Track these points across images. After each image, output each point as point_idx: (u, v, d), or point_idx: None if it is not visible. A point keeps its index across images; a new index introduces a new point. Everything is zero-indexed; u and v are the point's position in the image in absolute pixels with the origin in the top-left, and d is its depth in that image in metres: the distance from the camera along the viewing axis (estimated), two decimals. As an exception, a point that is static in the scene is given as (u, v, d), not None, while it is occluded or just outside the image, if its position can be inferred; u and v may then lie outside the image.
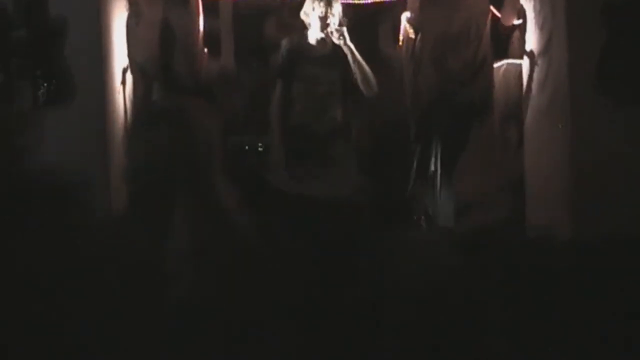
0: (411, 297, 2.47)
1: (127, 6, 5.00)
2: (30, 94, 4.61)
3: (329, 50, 5.16)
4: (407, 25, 6.44)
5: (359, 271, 3.11)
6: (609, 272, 2.72)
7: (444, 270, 2.51)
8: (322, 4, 5.07)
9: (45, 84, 4.64)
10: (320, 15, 5.07)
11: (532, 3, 4.82)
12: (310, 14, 5.12)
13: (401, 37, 6.82)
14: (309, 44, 5.17)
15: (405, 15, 6.87)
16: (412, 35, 6.17)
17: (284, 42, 5.17)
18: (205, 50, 5.57)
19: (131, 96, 4.94)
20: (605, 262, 2.82)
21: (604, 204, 4.20)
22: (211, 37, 5.67)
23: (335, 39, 5.07)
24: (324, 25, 5.06)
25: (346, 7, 5.30)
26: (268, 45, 5.80)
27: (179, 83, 5.14)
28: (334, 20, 5.07)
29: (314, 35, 5.14)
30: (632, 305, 2.55)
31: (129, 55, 4.97)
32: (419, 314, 2.39)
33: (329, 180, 4.94)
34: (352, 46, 5.07)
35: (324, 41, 5.13)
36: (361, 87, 5.08)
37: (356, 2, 7.11)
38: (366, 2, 7.38)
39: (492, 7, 6.62)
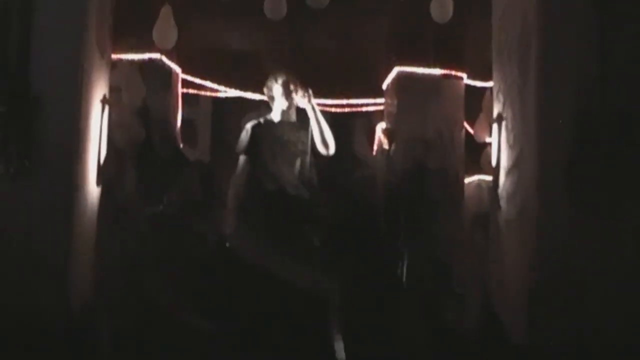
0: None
1: (108, 92, 5.05)
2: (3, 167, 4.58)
3: (293, 118, 5.25)
4: (382, 136, 6.61)
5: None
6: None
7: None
8: (282, 74, 5.21)
9: (19, 159, 4.61)
10: (284, 81, 5.19)
11: (504, 122, 4.88)
12: (273, 86, 5.23)
13: (375, 147, 7.01)
14: (272, 119, 5.28)
15: (381, 127, 7.07)
16: (386, 147, 6.34)
17: (248, 125, 5.26)
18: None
19: (105, 176, 4.93)
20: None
21: (562, 314, 4.19)
22: (190, 127, 5.72)
23: (299, 98, 5.18)
24: (287, 91, 5.17)
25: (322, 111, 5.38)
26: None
27: (154, 166, 5.17)
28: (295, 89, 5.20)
29: (278, 106, 5.23)
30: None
31: (108, 137, 5.00)
32: None
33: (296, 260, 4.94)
34: (315, 105, 5.16)
35: (288, 112, 5.24)
36: (319, 147, 5.18)
37: (330, 108, 7.24)
38: (341, 107, 7.50)
39: (465, 123, 6.80)
